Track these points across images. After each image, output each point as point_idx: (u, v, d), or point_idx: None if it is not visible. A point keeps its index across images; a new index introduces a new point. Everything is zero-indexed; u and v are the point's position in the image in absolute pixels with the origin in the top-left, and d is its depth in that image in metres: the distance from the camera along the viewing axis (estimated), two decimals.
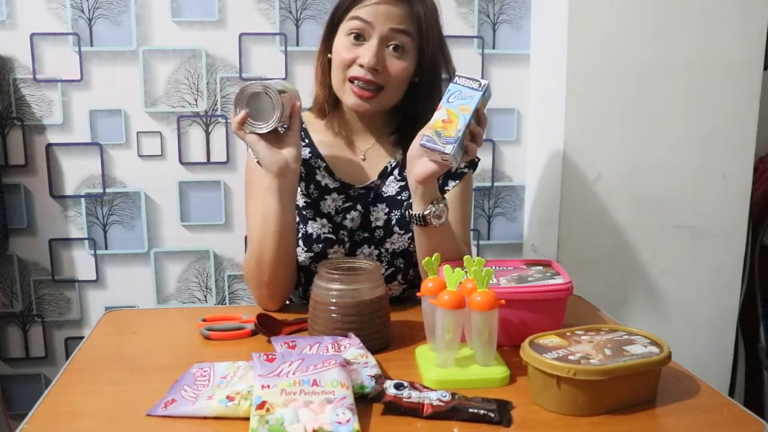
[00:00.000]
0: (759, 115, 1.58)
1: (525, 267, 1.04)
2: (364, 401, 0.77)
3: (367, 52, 1.07)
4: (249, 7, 1.62)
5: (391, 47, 1.09)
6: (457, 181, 1.20)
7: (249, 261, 1.10)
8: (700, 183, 1.59)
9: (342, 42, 1.10)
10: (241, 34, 1.62)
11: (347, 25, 1.09)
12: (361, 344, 0.90)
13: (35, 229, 1.65)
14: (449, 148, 0.94)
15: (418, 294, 0.90)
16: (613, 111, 1.55)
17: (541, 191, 1.69)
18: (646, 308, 1.63)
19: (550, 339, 0.84)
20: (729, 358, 1.69)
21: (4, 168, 1.61)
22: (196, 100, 1.64)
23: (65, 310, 1.70)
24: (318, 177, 1.18)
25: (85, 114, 1.61)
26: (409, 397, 0.76)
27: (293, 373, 0.76)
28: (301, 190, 1.18)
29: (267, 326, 1.01)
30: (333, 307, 0.94)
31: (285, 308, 1.15)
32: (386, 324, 0.98)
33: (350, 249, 1.17)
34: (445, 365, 0.86)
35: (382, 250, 1.16)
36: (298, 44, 1.64)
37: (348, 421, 0.70)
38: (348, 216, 1.16)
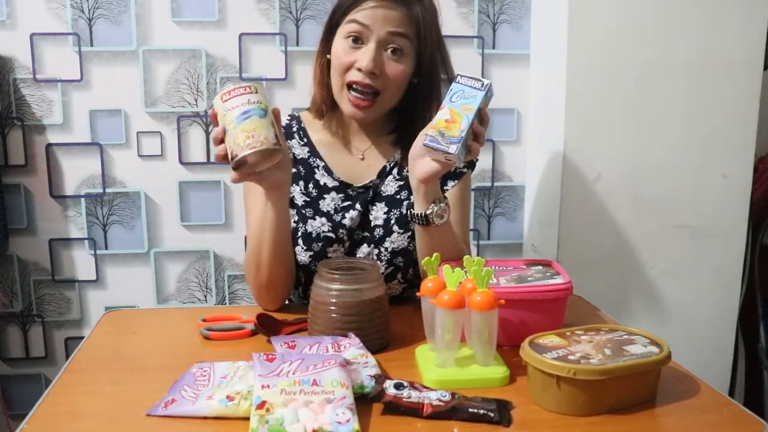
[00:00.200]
0: (759, 115, 1.58)
1: (525, 267, 1.04)
2: (364, 401, 0.77)
3: (365, 56, 1.07)
4: (249, 7, 1.62)
5: (389, 50, 1.09)
6: (456, 181, 1.20)
7: (248, 262, 1.10)
8: (700, 183, 1.59)
9: (340, 45, 1.10)
10: (241, 34, 1.62)
11: (345, 28, 1.09)
12: (361, 344, 0.90)
13: (35, 229, 1.65)
14: (453, 148, 0.94)
15: (418, 294, 0.90)
16: (613, 111, 1.55)
17: (541, 191, 1.69)
18: (646, 308, 1.63)
19: (550, 339, 0.84)
20: (729, 358, 1.69)
21: (4, 168, 1.61)
22: (196, 100, 1.64)
23: (65, 310, 1.70)
24: (317, 176, 1.18)
25: (85, 114, 1.61)
26: (409, 397, 0.76)
27: (293, 373, 0.76)
28: (301, 189, 1.18)
29: (267, 326, 1.01)
30: (333, 307, 0.94)
31: (285, 308, 1.15)
32: (386, 324, 0.98)
33: (349, 248, 1.17)
34: (445, 365, 0.86)
35: (382, 249, 1.16)
36: (298, 44, 1.64)
37: (348, 421, 0.70)
38: (347, 215, 1.16)
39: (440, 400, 0.76)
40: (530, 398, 0.80)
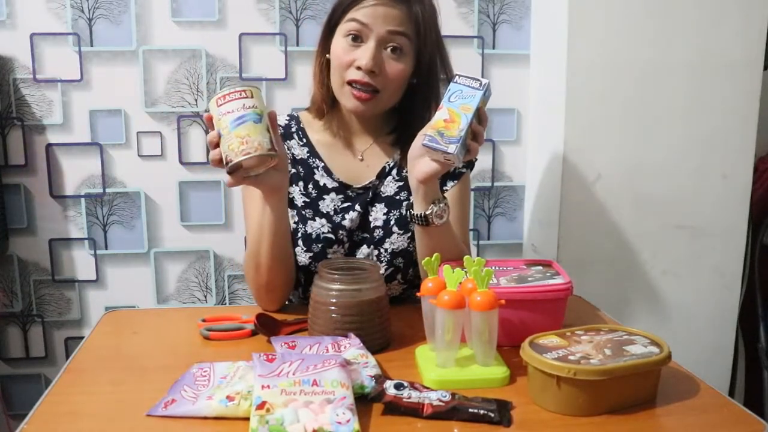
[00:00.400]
0: (759, 115, 1.58)
1: (525, 267, 1.04)
2: (364, 401, 0.77)
3: (364, 55, 1.07)
4: (249, 7, 1.62)
5: (388, 49, 1.09)
6: (456, 181, 1.20)
7: (248, 263, 1.10)
8: (700, 183, 1.59)
9: (340, 43, 1.10)
10: (241, 34, 1.62)
11: (345, 27, 1.09)
12: (361, 344, 0.90)
13: (35, 229, 1.65)
14: (452, 148, 0.94)
15: (418, 294, 0.90)
16: (613, 111, 1.54)
17: (541, 191, 1.69)
18: (646, 308, 1.63)
19: (550, 339, 0.84)
20: (729, 358, 1.69)
21: (4, 168, 1.61)
22: (196, 100, 1.64)
23: (65, 310, 1.70)
24: (317, 176, 1.18)
25: (85, 114, 1.61)
26: (409, 397, 0.76)
27: (293, 373, 0.76)
28: (300, 190, 1.18)
29: (267, 326, 1.01)
30: (333, 307, 0.94)
31: (285, 308, 1.15)
32: (386, 324, 0.98)
33: (349, 249, 1.17)
34: (445, 365, 0.86)
35: (382, 249, 1.16)
36: (298, 44, 1.64)
37: (348, 421, 0.70)
38: (347, 216, 1.16)
39: (440, 401, 0.76)
40: (530, 398, 0.80)
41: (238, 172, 0.92)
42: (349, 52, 1.09)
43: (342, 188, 1.18)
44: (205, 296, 1.73)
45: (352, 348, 0.88)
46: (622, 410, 0.78)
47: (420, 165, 1.00)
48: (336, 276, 0.95)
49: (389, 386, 0.77)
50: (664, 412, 0.79)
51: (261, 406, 0.71)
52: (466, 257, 0.92)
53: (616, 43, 1.52)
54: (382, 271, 1.15)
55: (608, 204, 1.58)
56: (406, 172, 1.13)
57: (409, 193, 1.16)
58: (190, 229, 1.69)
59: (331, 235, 1.14)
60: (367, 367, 0.83)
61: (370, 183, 1.19)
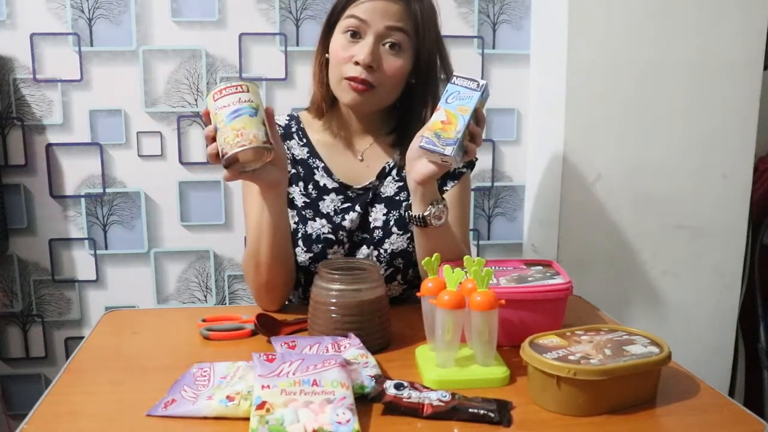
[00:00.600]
0: (759, 115, 1.58)
1: (525, 267, 1.04)
2: (364, 401, 0.77)
3: (362, 50, 1.07)
4: (249, 7, 1.62)
5: (387, 45, 1.09)
6: (456, 182, 1.20)
7: (247, 262, 1.10)
8: (700, 183, 1.59)
9: (338, 40, 1.11)
10: (241, 34, 1.62)
11: (344, 23, 1.10)
12: (361, 344, 0.90)
13: (35, 229, 1.65)
14: (449, 150, 0.93)
15: (418, 294, 0.90)
16: (613, 111, 1.54)
17: (541, 191, 1.68)
18: (646, 308, 1.63)
19: (550, 339, 0.84)
20: (729, 358, 1.69)
21: (4, 168, 1.61)
22: (196, 100, 1.64)
23: (65, 310, 1.70)
24: (317, 177, 1.18)
25: (85, 114, 1.61)
26: (409, 397, 0.76)
27: (293, 373, 0.76)
28: (300, 190, 1.18)
29: (267, 326, 1.01)
30: (333, 307, 0.94)
31: (285, 308, 1.15)
32: (386, 324, 0.98)
33: (349, 249, 1.17)
34: (445, 365, 0.86)
35: (381, 250, 1.16)
36: (298, 44, 1.64)
37: (348, 421, 0.70)
38: (347, 217, 1.16)
39: (440, 401, 0.76)
40: (530, 398, 0.80)
41: (235, 166, 0.93)
42: (348, 48, 1.09)
43: (342, 189, 1.18)
44: (205, 296, 1.73)
45: (352, 348, 0.88)
46: (622, 410, 0.78)
47: (418, 166, 1.00)
48: (336, 276, 0.95)
49: (389, 386, 0.77)
50: (664, 412, 0.79)
51: (261, 406, 0.71)
52: (466, 257, 0.92)
53: (616, 43, 1.52)
54: (381, 271, 1.15)
55: (608, 204, 1.58)
56: (406, 172, 1.13)
57: (409, 194, 1.16)
58: (190, 229, 1.69)
59: (331, 236, 1.14)
60: (367, 367, 0.83)
61: (370, 183, 1.19)
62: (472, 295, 0.83)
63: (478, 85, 0.97)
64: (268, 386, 0.74)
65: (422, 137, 0.96)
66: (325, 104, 1.19)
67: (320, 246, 1.14)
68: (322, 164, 1.19)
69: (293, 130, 1.22)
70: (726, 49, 1.54)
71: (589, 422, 0.76)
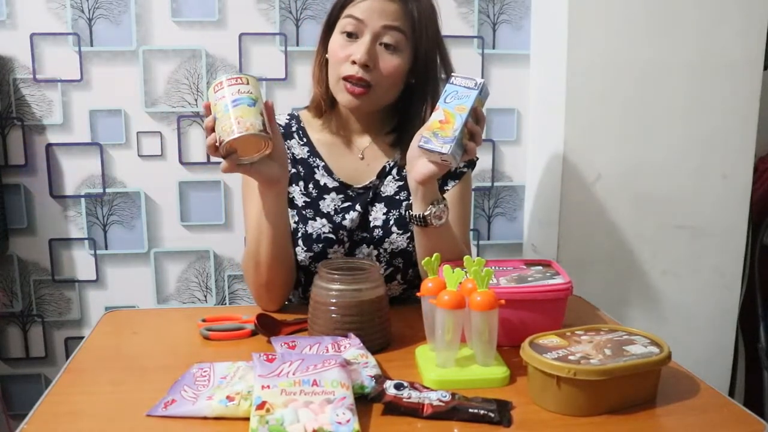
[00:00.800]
0: (759, 115, 1.58)
1: (525, 267, 1.04)
2: (364, 401, 0.77)
3: (359, 49, 1.08)
4: (249, 7, 1.62)
5: (383, 44, 1.09)
6: (456, 181, 1.20)
7: (247, 262, 1.10)
8: (700, 183, 1.59)
9: (337, 40, 1.11)
10: (241, 34, 1.62)
11: (342, 23, 1.10)
12: (361, 344, 0.90)
13: (35, 229, 1.65)
14: (447, 148, 0.94)
15: (418, 294, 0.90)
16: (613, 111, 1.54)
17: (541, 191, 1.68)
18: (646, 308, 1.63)
19: (550, 339, 0.84)
20: (729, 358, 1.69)
21: (4, 168, 1.61)
22: (196, 100, 1.64)
23: (65, 310, 1.70)
24: (317, 176, 1.18)
25: (85, 114, 1.61)
26: (409, 397, 0.76)
27: (293, 374, 0.76)
28: (301, 190, 1.18)
29: (267, 326, 1.01)
30: (333, 307, 0.94)
31: (285, 308, 1.15)
32: (386, 324, 0.98)
33: (349, 249, 1.17)
34: (445, 365, 0.86)
35: (381, 249, 1.16)
36: (298, 44, 1.64)
37: (348, 421, 0.70)
38: (347, 216, 1.16)
39: (440, 401, 0.76)
40: (530, 398, 0.80)
41: (233, 157, 0.93)
42: (345, 48, 1.10)
43: (342, 188, 1.18)
44: (205, 296, 1.73)
45: (352, 348, 0.88)
46: (622, 410, 0.78)
47: (418, 166, 1.00)
48: (336, 276, 0.95)
49: (389, 386, 0.77)
50: (664, 412, 0.79)
51: (261, 406, 0.71)
52: (466, 257, 0.92)
53: (616, 43, 1.51)
54: (381, 271, 1.15)
55: (608, 204, 1.58)
56: (406, 172, 1.13)
57: (410, 193, 1.16)
58: (190, 229, 1.69)
59: (331, 235, 1.14)
60: (367, 367, 0.83)
61: (370, 183, 1.19)
62: (472, 295, 0.83)
63: (476, 83, 0.97)
64: (268, 386, 0.74)
65: (421, 137, 0.96)
66: (325, 104, 1.19)
67: (320, 245, 1.14)
68: (323, 163, 1.19)
69: (293, 129, 1.22)
70: (726, 49, 1.54)
71: (589, 422, 0.76)
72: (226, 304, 1.74)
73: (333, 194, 1.18)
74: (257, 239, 1.06)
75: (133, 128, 1.63)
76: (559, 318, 0.96)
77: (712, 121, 1.57)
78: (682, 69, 1.54)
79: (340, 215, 1.16)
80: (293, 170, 1.19)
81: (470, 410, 0.75)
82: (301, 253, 1.14)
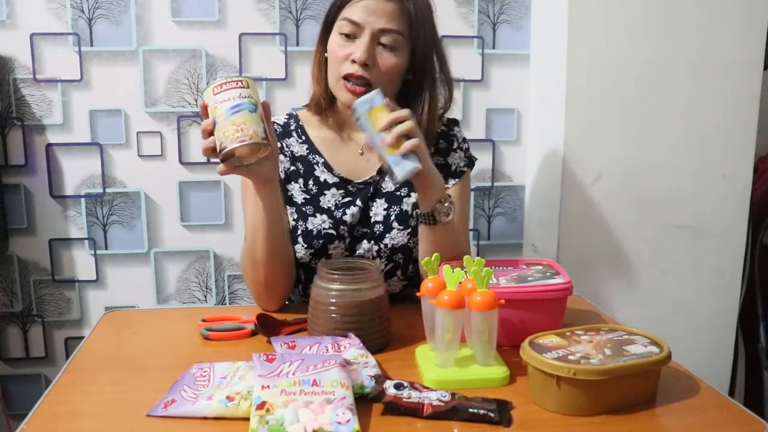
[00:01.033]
0: (759, 115, 1.58)
1: (525, 267, 1.04)
2: (364, 401, 0.77)
3: (358, 48, 1.09)
4: (249, 7, 1.62)
5: (382, 44, 1.10)
6: (457, 180, 1.21)
7: (245, 261, 1.11)
8: (700, 183, 1.59)
9: (335, 40, 1.12)
10: (241, 34, 1.62)
11: (340, 24, 1.11)
12: (361, 344, 0.90)
13: (35, 229, 1.65)
14: (394, 177, 0.98)
15: (418, 294, 0.90)
16: (613, 111, 1.54)
17: (541, 191, 1.68)
18: (646, 308, 1.63)
19: (550, 339, 0.84)
20: (729, 358, 1.69)
21: (4, 168, 1.61)
22: (196, 100, 1.64)
23: (65, 310, 1.70)
24: (317, 172, 1.19)
25: (85, 114, 1.61)
26: (409, 397, 0.76)
27: (293, 374, 0.76)
28: (300, 187, 1.18)
29: (267, 326, 1.01)
30: (333, 307, 0.94)
31: (285, 308, 1.15)
32: (386, 324, 0.98)
33: (350, 244, 1.17)
34: (445, 365, 0.86)
35: (382, 245, 1.17)
36: (298, 44, 1.64)
37: (348, 421, 0.70)
38: (348, 211, 1.16)
39: (440, 401, 0.76)
40: (530, 398, 0.80)
41: (231, 160, 0.94)
42: (344, 47, 1.11)
43: (343, 183, 1.19)
44: (205, 296, 1.73)
45: (352, 348, 0.88)
46: (622, 410, 0.78)
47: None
48: (336, 276, 0.95)
49: (389, 386, 0.77)
50: (664, 412, 0.79)
51: (261, 406, 0.71)
52: (466, 257, 0.92)
53: (616, 43, 1.51)
54: (381, 267, 1.15)
55: (608, 204, 1.58)
56: None
57: (410, 189, 1.17)
58: (190, 229, 1.69)
59: (332, 231, 1.15)
60: (367, 367, 0.83)
61: (370, 178, 1.19)
62: (472, 295, 0.83)
63: (362, 101, 1.01)
64: (268, 386, 0.74)
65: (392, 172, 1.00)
66: (324, 102, 1.20)
67: (321, 241, 1.14)
68: (322, 159, 1.19)
69: (292, 128, 1.22)
70: (726, 49, 1.54)
71: (589, 422, 0.76)
72: (226, 304, 1.74)
73: (333, 190, 1.18)
74: (253, 236, 1.07)
75: (133, 128, 1.63)
76: (559, 318, 0.96)
77: (712, 121, 1.57)
78: (682, 69, 1.54)
79: (341, 210, 1.16)
80: (292, 167, 1.19)
81: (470, 410, 0.75)
82: (301, 250, 1.15)
